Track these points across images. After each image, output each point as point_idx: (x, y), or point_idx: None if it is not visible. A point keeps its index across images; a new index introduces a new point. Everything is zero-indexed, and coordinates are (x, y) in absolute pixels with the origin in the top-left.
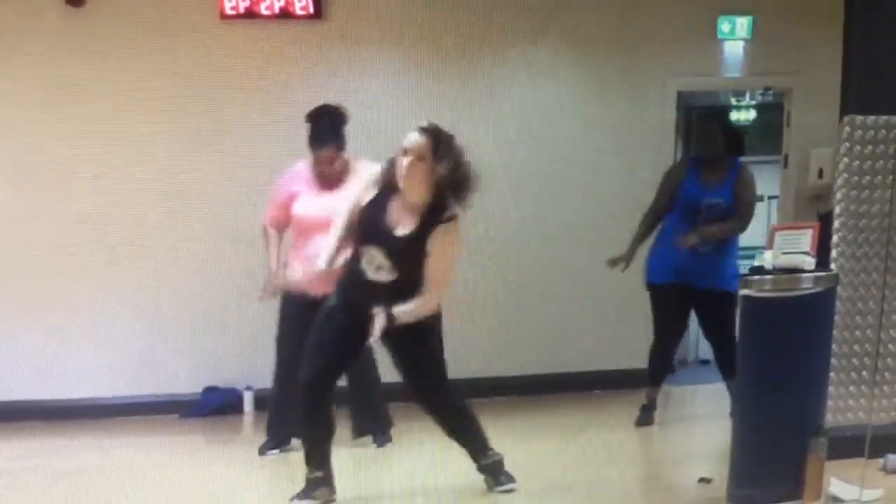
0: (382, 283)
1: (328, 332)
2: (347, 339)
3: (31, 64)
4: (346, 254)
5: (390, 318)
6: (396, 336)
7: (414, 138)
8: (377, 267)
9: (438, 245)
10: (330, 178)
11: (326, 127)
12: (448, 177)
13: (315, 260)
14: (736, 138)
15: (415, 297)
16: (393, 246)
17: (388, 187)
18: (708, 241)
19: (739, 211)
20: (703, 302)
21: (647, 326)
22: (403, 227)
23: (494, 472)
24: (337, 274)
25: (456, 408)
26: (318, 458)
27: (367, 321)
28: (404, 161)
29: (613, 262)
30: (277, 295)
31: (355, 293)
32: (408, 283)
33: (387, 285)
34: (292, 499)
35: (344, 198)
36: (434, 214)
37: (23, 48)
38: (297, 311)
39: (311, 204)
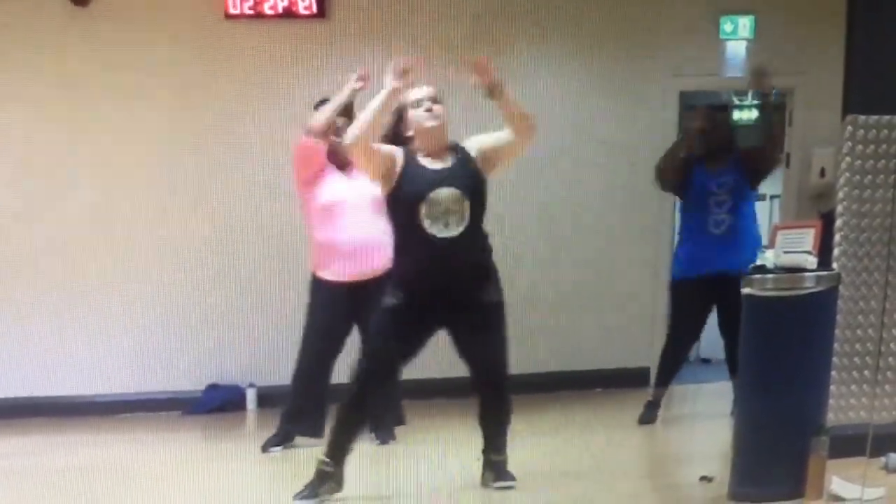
0: (454, 239)
1: (393, 327)
2: (413, 334)
3: (35, 63)
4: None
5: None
6: (468, 317)
7: (425, 88)
8: (444, 217)
9: (477, 141)
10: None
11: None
12: None
13: (353, 251)
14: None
15: (487, 242)
16: (452, 178)
17: (406, 149)
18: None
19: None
20: (725, 290)
21: (651, 325)
22: (447, 162)
23: (498, 469)
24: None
25: (507, 400)
26: (340, 454)
27: (434, 308)
28: (424, 111)
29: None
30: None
31: (423, 270)
32: (477, 223)
33: (459, 239)
34: (296, 496)
35: (365, 184)
36: (454, 146)
37: (27, 47)
38: (328, 311)
39: (338, 186)
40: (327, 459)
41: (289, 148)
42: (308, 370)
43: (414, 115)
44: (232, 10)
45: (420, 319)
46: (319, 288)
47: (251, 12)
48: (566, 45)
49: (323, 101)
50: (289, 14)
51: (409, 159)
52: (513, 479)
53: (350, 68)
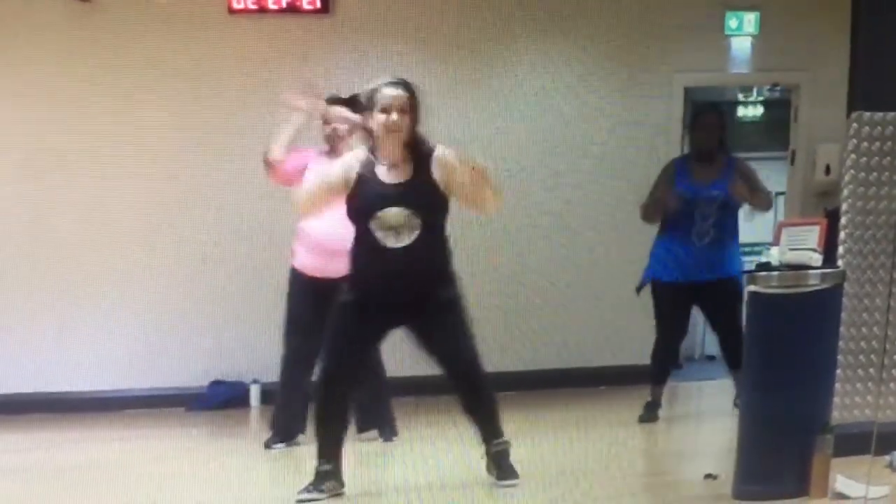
0: (407, 247)
1: (346, 326)
2: (367, 332)
3: (40, 59)
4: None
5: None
6: (425, 316)
7: (397, 93)
8: (395, 229)
9: (446, 166)
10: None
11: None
12: (418, 123)
13: (323, 246)
14: (727, 133)
15: (445, 247)
16: (402, 196)
17: (371, 160)
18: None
19: (761, 194)
20: (707, 294)
21: (651, 323)
22: (402, 178)
23: (501, 461)
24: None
25: (486, 391)
26: (329, 451)
27: (389, 308)
28: (387, 118)
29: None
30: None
31: (377, 275)
32: (434, 235)
33: (412, 246)
34: (300, 491)
35: None
36: (420, 156)
37: (32, 44)
38: (304, 304)
39: None
40: (321, 460)
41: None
42: (289, 366)
43: (378, 119)
44: (236, 6)
45: (372, 317)
46: (295, 279)
47: (255, 7)
48: (570, 41)
49: (335, 99)
50: (292, 9)
51: (366, 168)
52: (515, 476)
53: (353, 63)
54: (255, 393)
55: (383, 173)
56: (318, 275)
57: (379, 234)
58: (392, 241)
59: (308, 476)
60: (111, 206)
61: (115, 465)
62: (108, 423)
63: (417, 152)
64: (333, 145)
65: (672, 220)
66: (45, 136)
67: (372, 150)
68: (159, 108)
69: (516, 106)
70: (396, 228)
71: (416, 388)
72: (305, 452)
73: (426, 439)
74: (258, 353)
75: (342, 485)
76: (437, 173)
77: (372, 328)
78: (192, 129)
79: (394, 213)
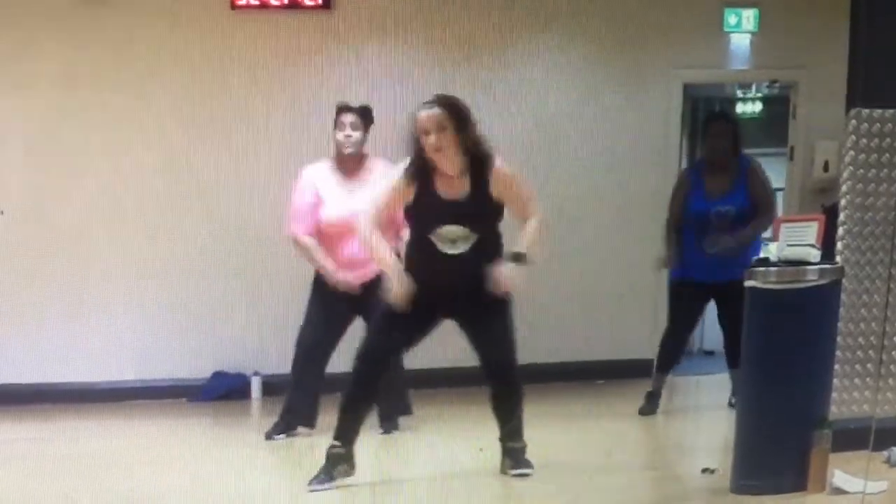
0: (463, 255)
1: (398, 312)
2: (418, 319)
3: (43, 54)
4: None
5: (518, 257)
6: (475, 311)
7: (428, 114)
8: (453, 241)
9: (503, 180)
10: (353, 168)
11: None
12: (472, 133)
13: (354, 259)
14: (740, 138)
15: (498, 250)
16: (461, 214)
17: (425, 174)
18: (738, 246)
19: (761, 209)
20: (723, 292)
21: (651, 316)
22: (460, 193)
23: (516, 456)
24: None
25: (517, 387)
26: (347, 434)
27: (441, 301)
28: (427, 140)
29: (662, 264)
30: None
31: (432, 272)
32: (489, 242)
33: (468, 254)
34: (311, 481)
35: (366, 197)
36: (478, 169)
37: (36, 38)
38: (329, 306)
39: (337, 207)
40: (337, 442)
41: (297, 137)
42: (301, 361)
43: (421, 142)
44: (238, 1)
45: (424, 309)
46: (319, 285)
47: (257, 3)
48: (570, 37)
49: (343, 109)
50: (294, 5)
51: (424, 185)
52: (530, 466)
53: (355, 59)
54: (256, 385)
55: (442, 186)
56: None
57: (437, 242)
58: (448, 249)
59: (308, 467)
60: (114, 199)
61: (117, 455)
62: (109, 414)
63: (475, 162)
64: (343, 154)
65: (689, 232)
66: (50, 128)
67: (430, 170)
68: (162, 102)
69: (515, 101)
70: (455, 240)
71: (416, 381)
72: (306, 444)
73: (427, 431)
74: (259, 345)
75: (353, 467)
76: (493, 188)
77: (423, 319)
78: (195, 122)
79: (453, 230)
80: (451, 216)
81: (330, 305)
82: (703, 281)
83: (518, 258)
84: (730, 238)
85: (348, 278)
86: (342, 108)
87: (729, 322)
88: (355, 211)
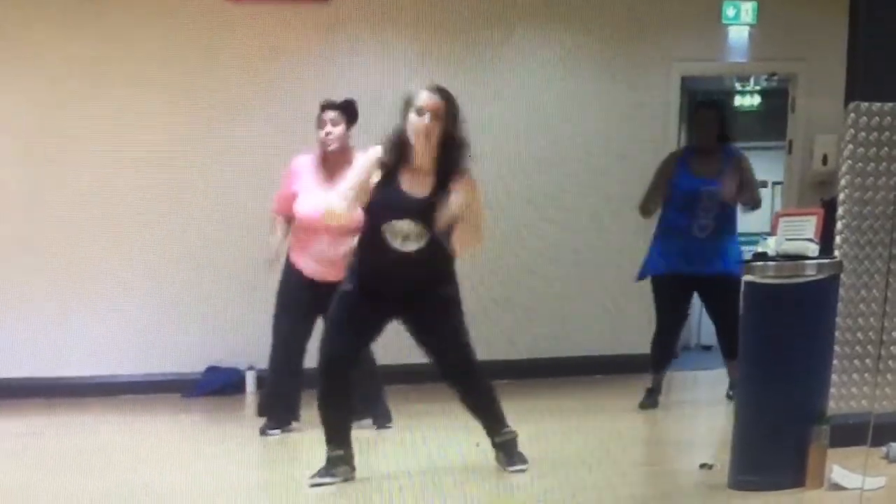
0: (413, 253)
1: (347, 313)
2: (367, 320)
3: (40, 47)
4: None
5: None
6: (421, 312)
7: (432, 97)
8: (404, 238)
9: (466, 195)
10: (335, 165)
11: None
12: (458, 137)
13: (320, 259)
14: (728, 125)
15: (448, 258)
16: (417, 210)
17: (396, 162)
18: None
19: (748, 191)
20: (708, 287)
21: (650, 312)
22: (422, 191)
23: (508, 450)
24: (348, 258)
25: (482, 382)
26: (338, 437)
27: (388, 301)
28: (419, 120)
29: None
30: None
31: (379, 271)
32: (440, 247)
33: (418, 253)
34: (313, 476)
35: None
36: (448, 173)
37: (33, 31)
38: (297, 293)
39: (313, 204)
40: (331, 446)
41: (294, 129)
42: (278, 354)
43: (410, 120)
44: None
45: (374, 306)
46: (289, 272)
47: None
48: (568, 29)
49: (325, 106)
50: None
51: (389, 175)
52: (524, 461)
53: (353, 52)
54: (250, 379)
55: (406, 180)
56: (316, 277)
57: (388, 237)
58: (399, 245)
59: (302, 462)
60: (109, 193)
61: (111, 450)
62: (103, 408)
63: (445, 167)
64: (326, 150)
65: (673, 214)
66: (46, 122)
67: (399, 152)
68: (160, 95)
69: (513, 94)
70: (406, 236)
71: (409, 376)
72: (300, 439)
73: (421, 427)
74: (254, 340)
75: (354, 469)
76: (455, 196)
77: (373, 317)
78: (192, 116)
79: (406, 224)
80: (407, 211)
81: (299, 298)
82: (685, 273)
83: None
84: (717, 189)
85: (270, 259)
86: (323, 106)
87: (718, 316)
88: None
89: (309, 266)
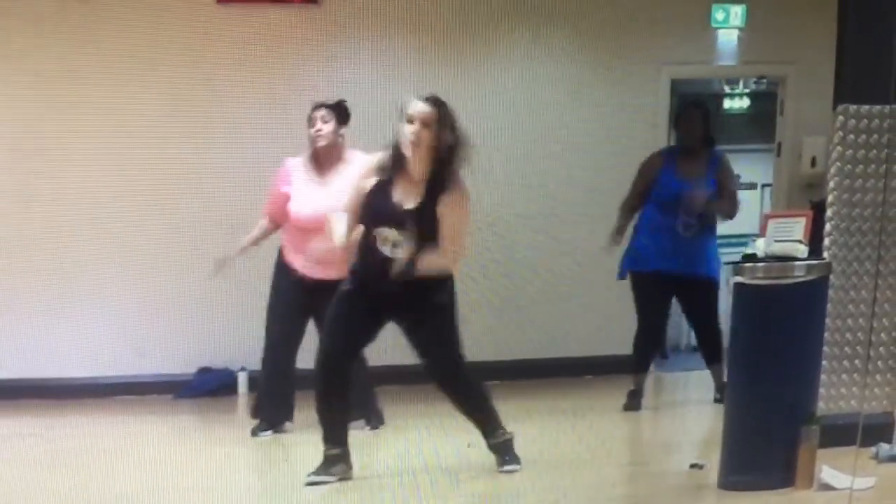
0: (400, 261)
1: (345, 312)
2: (364, 320)
3: (29, 49)
4: (357, 235)
5: (409, 265)
6: (414, 316)
7: (420, 106)
8: (393, 245)
9: (448, 209)
10: (327, 163)
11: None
12: (450, 147)
13: (314, 258)
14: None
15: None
16: (405, 220)
17: (392, 169)
18: (707, 214)
19: (726, 200)
20: (687, 288)
21: None
22: (411, 200)
23: (502, 451)
24: (347, 256)
25: (472, 387)
26: (335, 436)
27: (383, 302)
28: (409, 129)
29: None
30: (220, 268)
31: (372, 274)
32: (427, 247)
33: (404, 261)
34: (310, 474)
35: (339, 193)
36: (439, 184)
37: (22, 33)
38: (290, 294)
39: (307, 203)
40: (328, 445)
41: (284, 132)
42: (270, 355)
43: (401, 129)
44: None
45: (372, 307)
46: (282, 270)
47: None
48: (558, 33)
49: (315, 107)
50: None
51: (383, 182)
52: (517, 462)
53: (342, 54)
54: (242, 380)
55: (398, 189)
56: (311, 275)
57: (378, 242)
58: (389, 251)
59: (295, 464)
60: (100, 194)
61: (103, 451)
62: (95, 409)
63: (437, 177)
64: (317, 146)
65: (655, 213)
66: (35, 124)
67: (397, 167)
68: (148, 96)
69: (504, 97)
70: (394, 243)
71: (401, 376)
72: (293, 440)
73: (413, 427)
74: (246, 341)
75: (351, 468)
76: (440, 208)
77: (371, 317)
78: (181, 118)
79: (391, 233)
80: (391, 220)
81: (294, 296)
82: (664, 271)
83: (409, 265)
84: (701, 192)
85: (225, 258)
86: (314, 107)
87: (697, 319)
88: (322, 209)
89: (303, 265)
